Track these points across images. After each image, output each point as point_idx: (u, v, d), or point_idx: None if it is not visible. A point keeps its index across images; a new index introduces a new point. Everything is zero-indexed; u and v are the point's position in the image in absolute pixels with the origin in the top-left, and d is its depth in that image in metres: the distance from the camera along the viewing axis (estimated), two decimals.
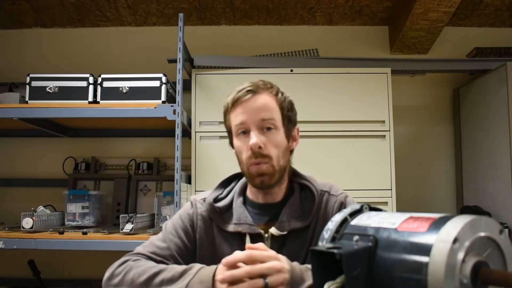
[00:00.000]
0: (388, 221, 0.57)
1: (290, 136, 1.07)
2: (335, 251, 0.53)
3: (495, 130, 2.31)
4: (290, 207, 1.03)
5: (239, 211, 1.04)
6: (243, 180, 1.11)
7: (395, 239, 0.53)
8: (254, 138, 0.98)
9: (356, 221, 0.62)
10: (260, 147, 0.98)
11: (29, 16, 2.75)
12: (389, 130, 2.19)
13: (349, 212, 0.64)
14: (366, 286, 0.53)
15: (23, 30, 2.83)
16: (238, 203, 1.06)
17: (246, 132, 1.01)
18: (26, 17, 2.76)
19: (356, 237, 0.57)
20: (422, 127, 2.77)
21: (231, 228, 1.03)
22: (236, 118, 1.02)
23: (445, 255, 0.46)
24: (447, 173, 2.74)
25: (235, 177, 1.15)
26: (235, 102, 1.02)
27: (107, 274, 0.98)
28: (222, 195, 1.10)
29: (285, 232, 1.00)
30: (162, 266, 0.94)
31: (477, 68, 2.43)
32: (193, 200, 1.11)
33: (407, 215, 0.57)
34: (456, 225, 0.48)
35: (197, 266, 0.91)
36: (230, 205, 1.07)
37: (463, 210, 2.45)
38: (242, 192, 1.09)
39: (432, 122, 2.77)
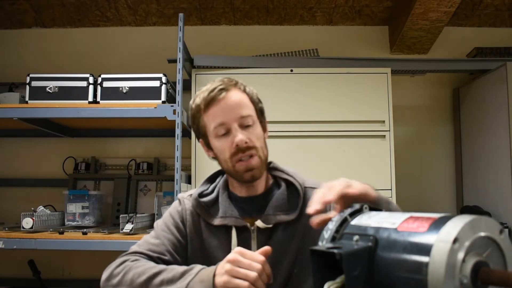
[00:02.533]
0: (388, 221, 0.57)
1: (264, 127, 1.09)
2: (335, 251, 0.53)
3: (495, 130, 2.31)
4: (277, 201, 1.04)
5: (225, 205, 1.05)
6: (226, 176, 1.12)
7: (395, 239, 0.53)
8: (240, 135, 0.99)
9: (356, 221, 0.62)
10: (246, 142, 0.99)
11: (29, 16, 2.75)
12: (389, 130, 2.19)
13: (349, 212, 0.64)
14: (366, 286, 0.53)
15: (23, 30, 2.83)
16: (223, 197, 1.07)
17: (226, 132, 1.01)
18: (26, 17, 2.76)
19: (356, 237, 0.57)
20: (422, 127, 2.77)
21: (217, 222, 1.03)
22: (215, 119, 1.01)
23: (445, 255, 0.46)
24: (447, 173, 2.74)
25: (220, 173, 1.16)
26: (209, 103, 1.01)
27: (105, 275, 0.97)
28: (208, 191, 1.11)
29: (270, 225, 1.01)
30: (162, 266, 0.94)
31: (477, 68, 2.43)
32: (181, 197, 1.13)
33: (407, 215, 0.57)
34: (456, 225, 0.48)
35: (198, 266, 0.90)
36: (216, 199, 1.08)
37: (463, 210, 2.45)
38: (226, 187, 1.10)
39: (432, 122, 2.77)
